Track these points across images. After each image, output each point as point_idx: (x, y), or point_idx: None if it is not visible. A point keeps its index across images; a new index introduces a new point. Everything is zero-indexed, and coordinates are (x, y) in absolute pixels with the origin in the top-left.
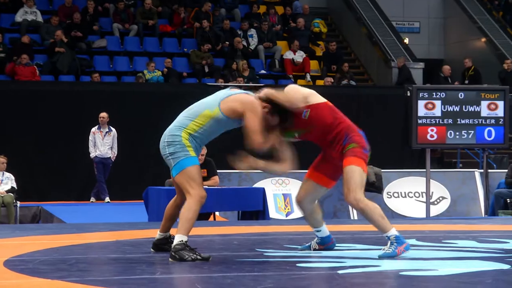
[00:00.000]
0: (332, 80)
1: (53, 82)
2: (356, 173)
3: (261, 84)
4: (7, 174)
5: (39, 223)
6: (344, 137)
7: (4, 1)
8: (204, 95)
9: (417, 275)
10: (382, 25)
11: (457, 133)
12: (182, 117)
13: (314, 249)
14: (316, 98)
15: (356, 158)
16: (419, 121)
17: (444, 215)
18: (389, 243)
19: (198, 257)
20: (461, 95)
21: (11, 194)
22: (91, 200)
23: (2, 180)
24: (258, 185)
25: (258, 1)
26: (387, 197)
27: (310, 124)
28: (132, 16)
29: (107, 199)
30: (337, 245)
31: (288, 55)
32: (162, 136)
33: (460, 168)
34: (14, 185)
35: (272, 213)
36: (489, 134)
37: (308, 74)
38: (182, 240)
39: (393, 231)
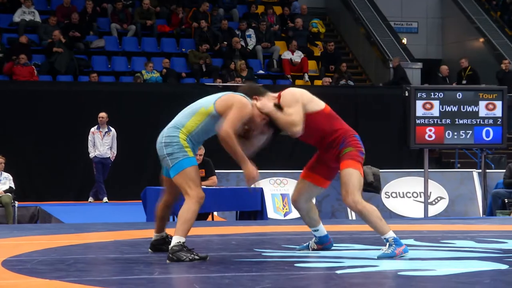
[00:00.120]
0: (330, 80)
1: (51, 82)
2: (353, 176)
3: (260, 84)
4: (5, 174)
5: (37, 223)
6: (340, 142)
7: (2, 1)
8: (202, 95)
9: (415, 275)
10: (380, 25)
11: (455, 133)
12: (179, 117)
13: (313, 249)
14: (314, 105)
15: (353, 161)
16: (417, 121)
17: (442, 215)
18: (387, 245)
19: (196, 257)
20: (459, 95)
21: (9, 194)
22: (89, 200)
23: (0, 180)
24: (256, 185)
25: (256, 1)
26: (385, 197)
27: (305, 133)
28: (130, 16)
29: (105, 199)
30: (335, 245)
31: (286, 55)
32: (159, 136)
33: (458, 168)
34: (12, 185)
35: (270, 213)
36: (487, 134)
37: (306, 74)
38: (179, 242)
39: (391, 233)
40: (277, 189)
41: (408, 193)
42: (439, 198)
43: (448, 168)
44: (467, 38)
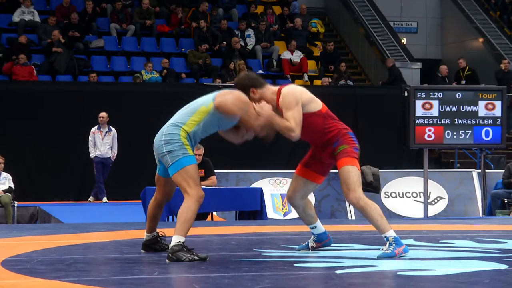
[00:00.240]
0: (330, 80)
1: (50, 82)
2: (353, 172)
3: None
4: (5, 174)
5: (36, 223)
6: (335, 141)
7: (1, 1)
8: (202, 95)
9: (414, 275)
10: (380, 25)
11: (455, 133)
12: (179, 115)
13: (312, 248)
14: (313, 106)
15: (350, 158)
16: (417, 121)
17: (441, 215)
18: (387, 244)
19: (196, 257)
20: (458, 95)
21: (9, 194)
22: (89, 200)
23: None
24: (255, 185)
25: (256, 1)
26: (385, 197)
27: (301, 131)
28: (129, 16)
29: (105, 199)
30: (335, 245)
31: (286, 55)
32: (158, 134)
33: (458, 168)
34: (12, 185)
35: (270, 213)
36: (487, 134)
37: (305, 74)
38: (179, 241)
39: (391, 232)
40: (277, 189)
41: (407, 193)
42: (438, 198)
43: (447, 168)
44: (467, 38)
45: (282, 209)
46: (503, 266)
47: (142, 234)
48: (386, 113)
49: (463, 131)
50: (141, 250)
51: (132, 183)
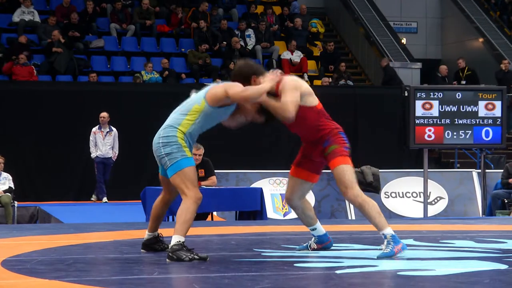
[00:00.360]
0: (330, 80)
1: (50, 82)
2: (347, 171)
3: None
4: (5, 174)
5: (36, 223)
6: (325, 140)
7: (2, 1)
8: None
9: (414, 275)
10: (380, 25)
11: (455, 133)
12: (174, 116)
13: (313, 249)
14: (310, 99)
15: (342, 157)
16: (417, 121)
17: (441, 215)
18: (385, 242)
19: (196, 256)
20: (458, 95)
21: (9, 194)
22: (91, 199)
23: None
24: (255, 185)
25: (256, 1)
26: (385, 197)
27: (295, 123)
28: (129, 16)
29: (105, 199)
30: (335, 245)
31: (286, 55)
32: (155, 137)
33: (458, 168)
34: (12, 185)
35: (270, 213)
36: (487, 134)
37: (305, 74)
38: (179, 241)
39: (389, 230)
40: (277, 189)
41: (407, 193)
42: (438, 198)
43: (447, 168)
44: (467, 38)
45: (282, 209)
46: (503, 266)
47: (142, 234)
48: (386, 113)
49: (463, 131)
50: (141, 250)
51: (132, 183)
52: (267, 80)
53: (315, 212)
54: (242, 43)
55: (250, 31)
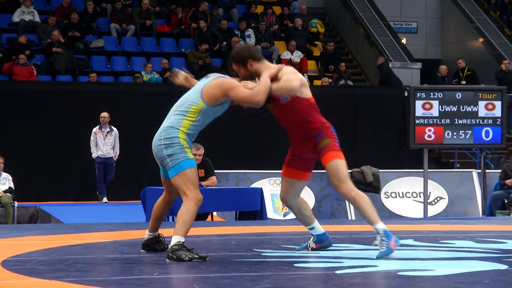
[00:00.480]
0: (330, 80)
1: (50, 82)
2: (341, 165)
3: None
4: (5, 175)
5: (36, 223)
6: (317, 134)
7: (2, 1)
8: None
9: (414, 275)
10: (380, 25)
11: (455, 133)
12: (174, 115)
13: (312, 249)
14: (305, 91)
15: (335, 151)
16: (417, 121)
17: (441, 215)
18: (379, 239)
19: (195, 256)
20: (458, 95)
21: (9, 194)
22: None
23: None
24: (255, 185)
25: (256, 1)
26: (385, 197)
27: (283, 109)
28: (129, 16)
29: (105, 199)
30: (334, 245)
31: (286, 55)
32: (155, 138)
33: (458, 168)
34: (12, 185)
35: (270, 213)
36: (487, 134)
37: (305, 74)
38: (179, 241)
39: (381, 225)
40: (277, 189)
41: (407, 193)
42: (438, 198)
43: (447, 168)
44: (467, 38)
45: (282, 209)
46: (503, 266)
47: (142, 234)
48: (386, 113)
49: (463, 131)
50: (141, 250)
51: (132, 183)
52: (265, 76)
53: (315, 212)
54: (242, 43)
55: (250, 31)
